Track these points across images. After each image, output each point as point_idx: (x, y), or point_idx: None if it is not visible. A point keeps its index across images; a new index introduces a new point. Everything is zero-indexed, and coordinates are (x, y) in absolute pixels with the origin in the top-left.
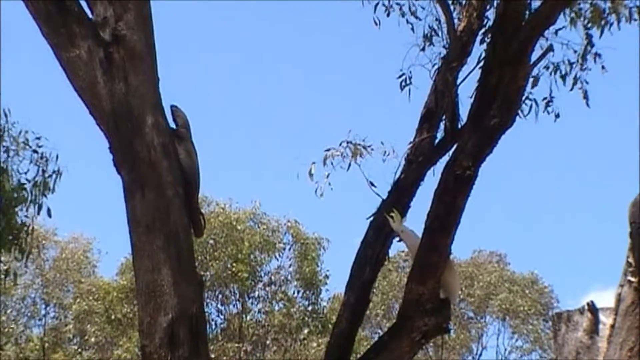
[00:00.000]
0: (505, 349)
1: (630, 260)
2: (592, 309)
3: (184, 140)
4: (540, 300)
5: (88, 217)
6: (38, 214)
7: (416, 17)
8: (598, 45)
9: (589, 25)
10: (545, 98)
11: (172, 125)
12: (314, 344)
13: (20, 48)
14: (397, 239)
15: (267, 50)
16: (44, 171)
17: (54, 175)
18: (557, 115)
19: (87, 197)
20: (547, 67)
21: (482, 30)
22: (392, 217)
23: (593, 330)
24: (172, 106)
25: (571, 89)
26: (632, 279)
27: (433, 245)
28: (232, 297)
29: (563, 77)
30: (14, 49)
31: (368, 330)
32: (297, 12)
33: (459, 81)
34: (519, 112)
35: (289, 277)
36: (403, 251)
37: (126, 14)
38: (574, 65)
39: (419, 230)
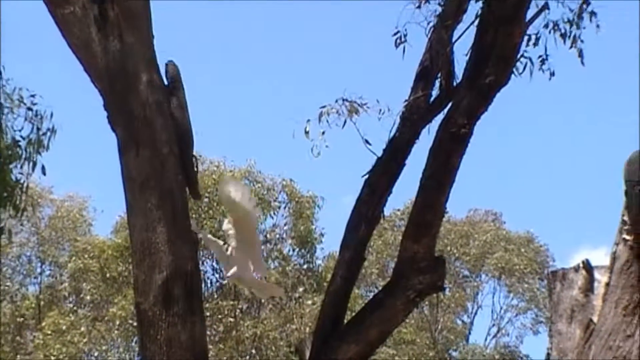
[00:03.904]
0: (501, 308)
1: (626, 218)
2: (587, 267)
3: (176, 93)
4: (535, 259)
5: (83, 175)
6: (32, 171)
7: None
8: (594, 3)
9: None
10: (540, 56)
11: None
12: (309, 302)
13: (14, 5)
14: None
15: (261, 7)
16: (38, 129)
17: (48, 133)
18: (552, 74)
19: (82, 155)
20: (546, 26)
21: None
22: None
23: (588, 288)
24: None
25: (570, 47)
26: (627, 237)
27: (428, 203)
28: None
29: (563, 36)
30: (8, 5)
31: (363, 289)
32: None
33: (454, 39)
34: (514, 70)
35: (284, 236)
36: (398, 210)
37: None
38: (572, 23)
39: (414, 188)
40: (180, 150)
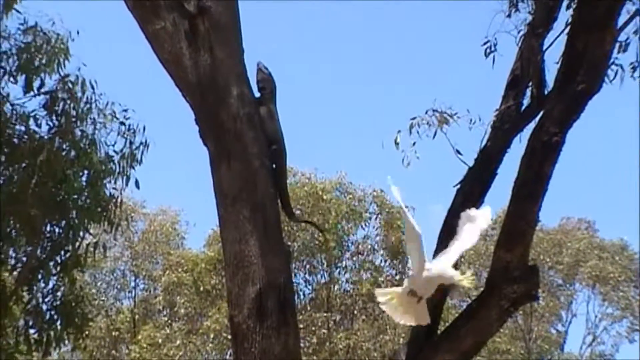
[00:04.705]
0: (596, 316)
1: None
2: None
3: (265, 103)
4: (630, 266)
5: (176, 188)
6: (126, 185)
7: None
8: None
9: None
10: (631, 63)
11: (256, 88)
12: None
13: (106, 21)
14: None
15: (354, 17)
16: (131, 143)
17: (141, 147)
18: None
19: (174, 169)
20: (636, 32)
21: None
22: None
23: None
24: (259, 63)
25: None
26: None
27: (520, 212)
28: (320, 267)
29: None
30: (100, 22)
31: (456, 299)
32: None
33: (545, 47)
34: (605, 77)
35: (376, 247)
36: (491, 219)
37: None
38: None
39: (506, 197)
40: (272, 163)
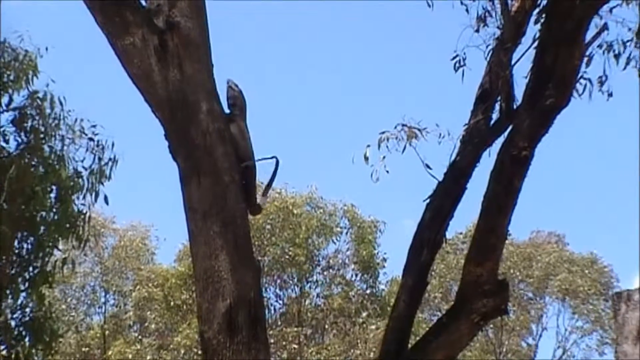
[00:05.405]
0: (566, 330)
1: None
2: None
3: (236, 120)
4: (600, 280)
5: (146, 204)
6: (95, 201)
7: None
8: None
9: None
10: (599, 77)
11: (227, 105)
12: (373, 327)
13: (75, 37)
14: None
15: (323, 33)
16: (100, 159)
17: (110, 163)
18: (610, 95)
19: (144, 184)
20: (600, 46)
21: (537, 10)
22: None
23: None
24: (229, 81)
25: (624, 69)
26: None
27: (490, 226)
28: (291, 282)
29: (616, 57)
30: (69, 38)
31: (427, 313)
32: None
33: (513, 62)
34: (574, 91)
35: (347, 261)
36: (461, 233)
37: (180, 1)
38: (628, 44)
39: (476, 211)
40: (242, 174)
